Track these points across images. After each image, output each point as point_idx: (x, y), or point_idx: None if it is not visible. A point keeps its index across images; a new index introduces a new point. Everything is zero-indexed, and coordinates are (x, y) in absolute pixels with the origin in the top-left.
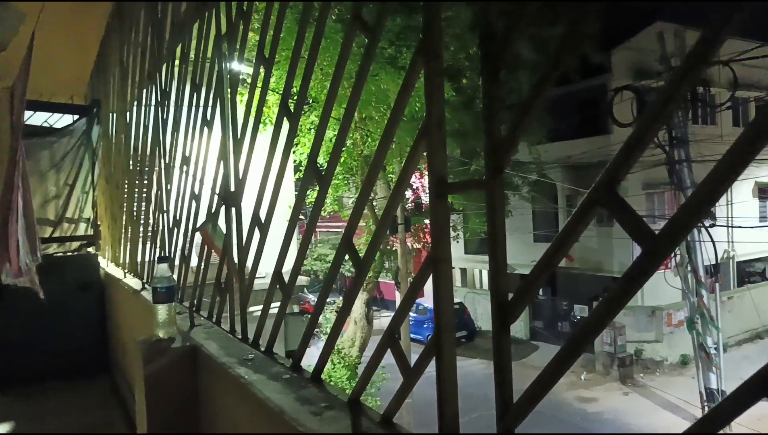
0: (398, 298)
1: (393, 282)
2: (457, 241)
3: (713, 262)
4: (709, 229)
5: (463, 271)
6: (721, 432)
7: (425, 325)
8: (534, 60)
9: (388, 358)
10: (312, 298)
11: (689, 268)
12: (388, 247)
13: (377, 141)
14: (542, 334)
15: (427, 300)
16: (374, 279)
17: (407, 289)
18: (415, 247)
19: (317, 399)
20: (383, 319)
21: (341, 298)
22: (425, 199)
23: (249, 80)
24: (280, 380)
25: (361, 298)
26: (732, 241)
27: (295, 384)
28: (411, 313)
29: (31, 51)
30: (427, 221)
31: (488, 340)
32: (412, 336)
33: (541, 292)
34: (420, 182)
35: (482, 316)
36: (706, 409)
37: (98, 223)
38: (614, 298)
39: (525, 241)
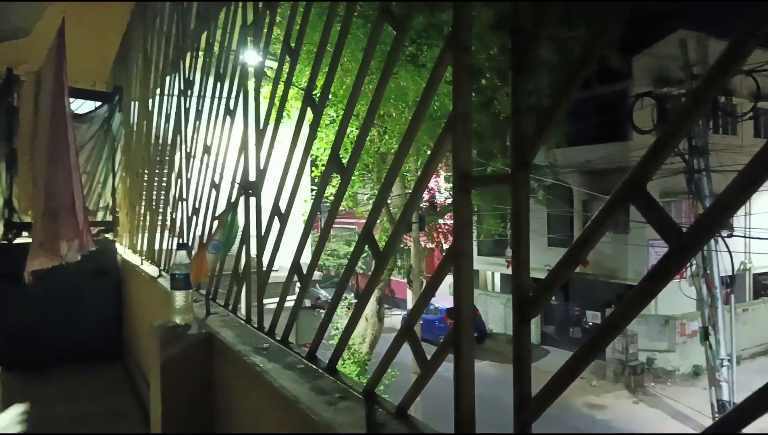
0: (410, 296)
1: (405, 280)
2: None
3: (729, 273)
4: (726, 239)
5: (476, 272)
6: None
7: (435, 325)
8: (561, 60)
9: (398, 356)
10: (324, 293)
11: (703, 279)
12: (402, 246)
13: (394, 138)
14: (553, 338)
15: (437, 300)
16: (387, 277)
17: (424, 284)
18: (428, 246)
19: (332, 389)
20: (394, 318)
21: (352, 295)
22: (440, 198)
23: (271, 73)
24: (295, 369)
25: (374, 295)
26: (749, 253)
27: (310, 374)
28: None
29: (62, 37)
30: (441, 221)
31: (499, 343)
32: (423, 336)
33: (553, 297)
34: (435, 181)
35: (494, 318)
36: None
37: (117, 209)
38: (638, 295)
39: (539, 244)
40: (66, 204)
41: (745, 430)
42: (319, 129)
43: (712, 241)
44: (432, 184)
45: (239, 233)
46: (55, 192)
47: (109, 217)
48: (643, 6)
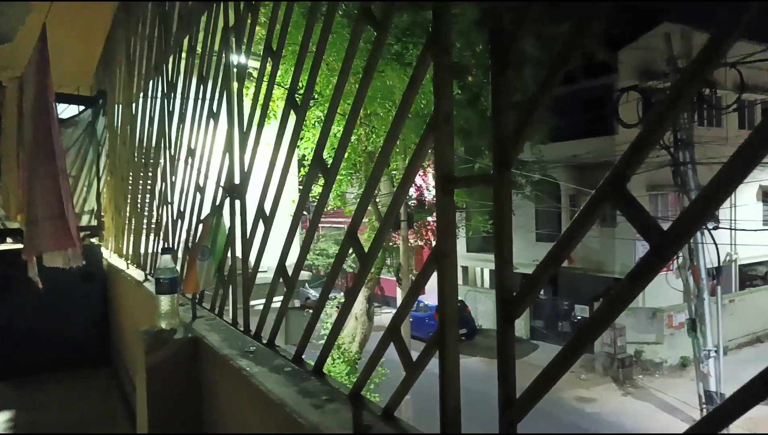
0: (399, 294)
1: (394, 278)
2: (458, 238)
3: (715, 264)
4: (711, 231)
5: (465, 269)
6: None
7: (426, 322)
8: (542, 58)
9: (387, 353)
10: (313, 292)
11: (690, 271)
12: (390, 244)
13: (382, 137)
14: (542, 333)
15: (428, 297)
16: (376, 275)
17: (410, 283)
18: (417, 244)
19: (319, 392)
20: (384, 316)
21: (342, 294)
22: (428, 196)
23: (255, 74)
24: (281, 373)
25: (363, 294)
26: (735, 244)
27: (296, 377)
28: (412, 311)
29: (45, 42)
30: (429, 218)
31: (488, 339)
32: (413, 333)
33: (542, 291)
34: (423, 179)
35: (483, 314)
36: (705, 411)
37: (102, 214)
38: (621, 294)
39: (527, 240)
40: (56, 212)
41: (734, 429)
42: (305, 129)
43: (698, 234)
44: (420, 181)
45: (225, 237)
46: (44, 199)
47: (94, 222)
48: (626, 4)
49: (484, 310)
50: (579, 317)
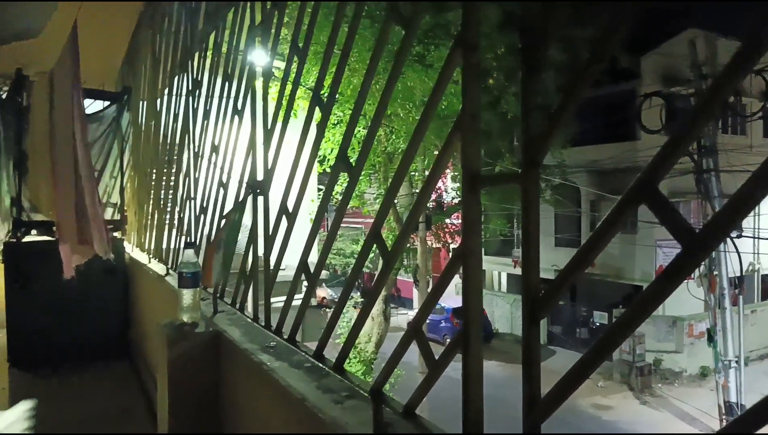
0: (416, 295)
1: (411, 280)
2: None
3: (738, 273)
4: (735, 240)
5: (482, 272)
6: None
7: (441, 325)
8: (567, 62)
9: (404, 355)
10: (330, 292)
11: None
12: (408, 245)
13: (401, 138)
14: (560, 339)
15: (444, 299)
16: (393, 276)
17: (430, 283)
18: (434, 245)
19: (339, 388)
20: (400, 317)
21: (357, 294)
22: (447, 198)
23: (279, 74)
24: (302, 368)
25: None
26: (758, 253)
27: (317, 372)
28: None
29: (75, 39)
30: (448, 220)
31: (506, 343)
32: (429, 335)
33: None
34: (442, 181)
35: (500, 318)
36: (725, 421)
37: (125, 208)
38: (651, 295)
39: (547, 244)
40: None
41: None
42: (326, 129)
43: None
44: (439, 183)
45: (241, 230)
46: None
47: (116, 216)
48: (653, 6)
49: (501, 315)
50: (598, 324)
